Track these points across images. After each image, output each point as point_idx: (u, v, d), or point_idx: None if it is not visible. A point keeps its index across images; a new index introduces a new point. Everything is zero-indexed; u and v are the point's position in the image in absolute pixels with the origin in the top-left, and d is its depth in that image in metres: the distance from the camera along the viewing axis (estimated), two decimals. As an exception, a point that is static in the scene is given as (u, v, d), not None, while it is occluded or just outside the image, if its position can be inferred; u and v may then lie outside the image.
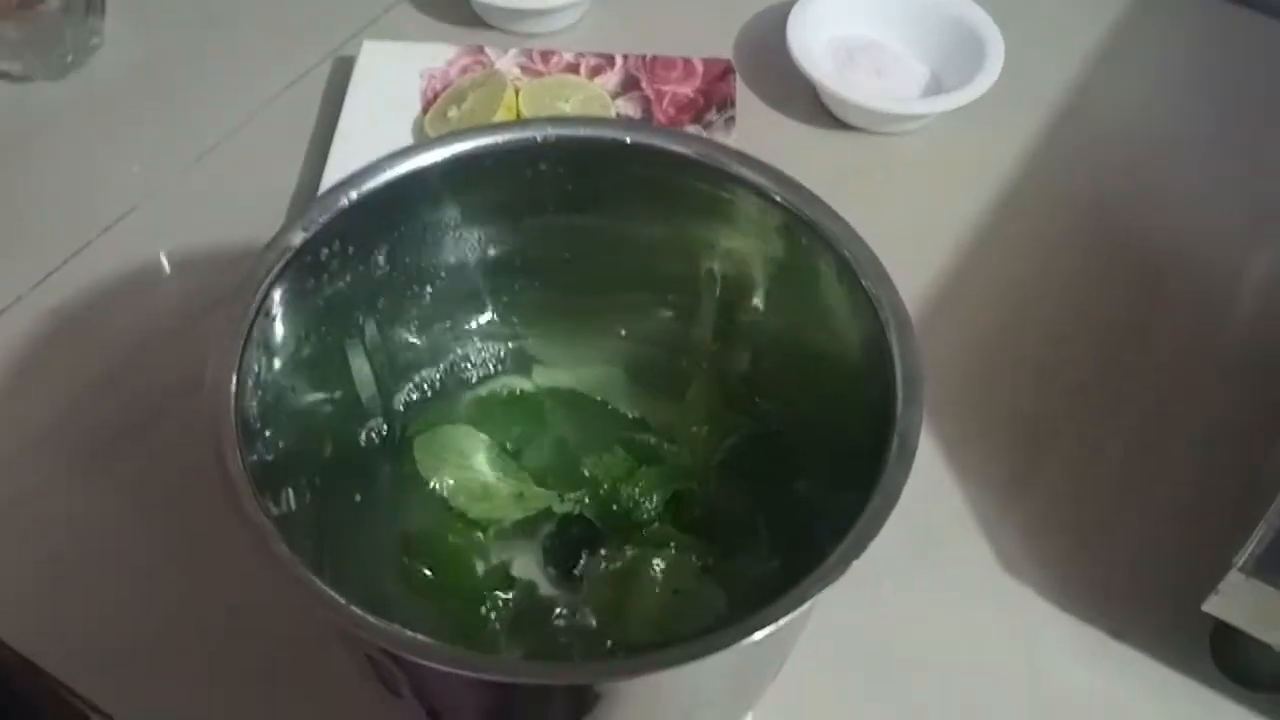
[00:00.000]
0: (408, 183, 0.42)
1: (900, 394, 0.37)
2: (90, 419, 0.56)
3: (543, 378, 0.50)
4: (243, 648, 0.49)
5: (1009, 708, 0.50)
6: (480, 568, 0.46)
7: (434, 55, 0.71)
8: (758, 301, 0.45)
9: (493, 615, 0.45)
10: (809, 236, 0.40)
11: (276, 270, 0.39)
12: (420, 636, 0.32)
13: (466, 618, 0.45)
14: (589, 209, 0.45)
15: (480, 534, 0.46)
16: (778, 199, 0.41)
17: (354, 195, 0.41)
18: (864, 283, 0.39)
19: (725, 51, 0.73)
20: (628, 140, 0.42)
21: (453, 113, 0.67)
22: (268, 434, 0.39)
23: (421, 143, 0.42)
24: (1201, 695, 0.51)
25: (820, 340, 0.42)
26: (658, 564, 0.44)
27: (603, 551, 0.46)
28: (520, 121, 0.47)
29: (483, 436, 0.47)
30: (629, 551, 0.45)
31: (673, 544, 0.45)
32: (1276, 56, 0.76)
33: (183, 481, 0.52)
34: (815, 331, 0.43)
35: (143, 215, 0.65)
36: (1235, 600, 0.46)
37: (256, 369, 0.38)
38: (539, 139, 0.42)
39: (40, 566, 0.52)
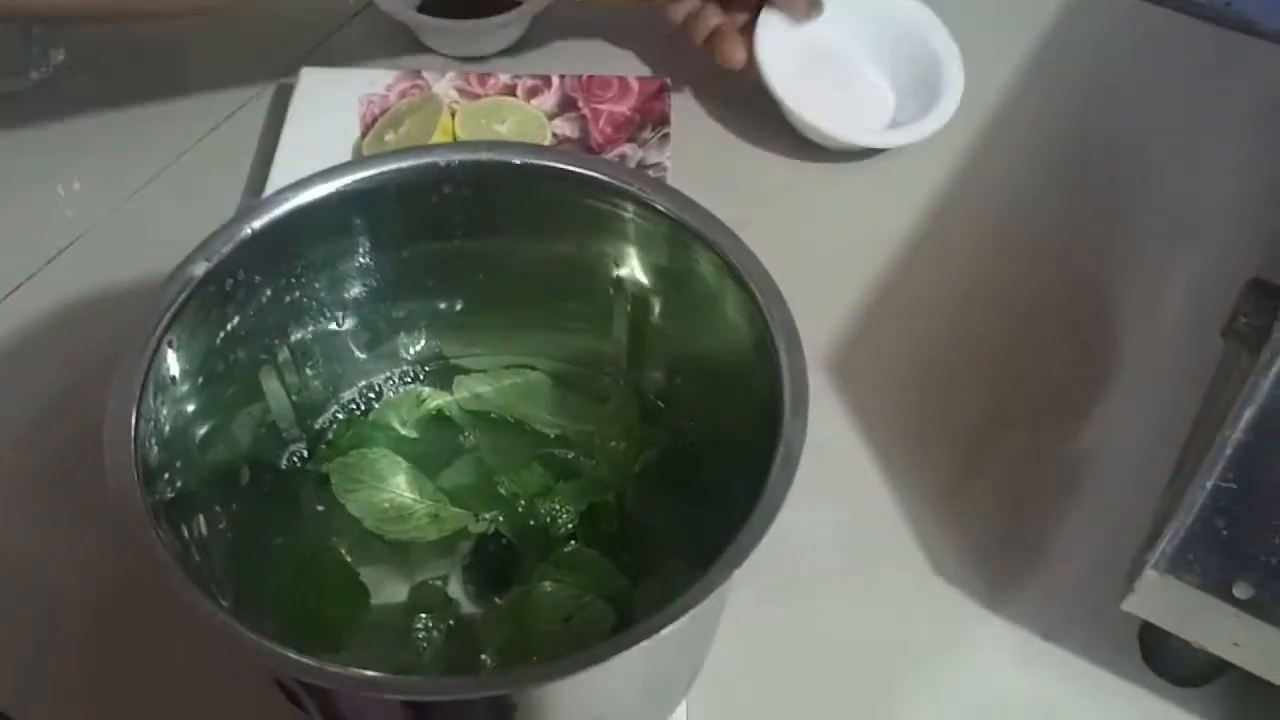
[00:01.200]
0: (312, 210, 0.43)
1: (788, 403, 0.37)
2: (36, 451, 0.57)
3: (464, 390, 0.51)
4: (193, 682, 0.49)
5: (943, 711, 0.51)
6: (400, 589, 0.46)
7: (373, 80, 0.72)
8: (662, 317, 0.46)
9: (419, 635, 0.46)
10: (698, 249, 0.41)
11: (179, 302, 0.40)
12: (305, 659, 0.33)
13: (391, 638, 0.45)
14: (497, 230, 0.46)
15: (401, 554, 0.47)
16: (664, 212, 0.42)
17: (257, 225, 0.42)
18: (753, 292, 0.40)
19: (662, 70, 0.74)
20: (517, 162, 0.43)
21: (390, 136, 0.68)
22: (175, 464, 0.39)
23: (323, 171, 0.43)
24: (1132, 693, 0.51)
25: (721, 354, 0.43)
26: (545, 594, 0.44)
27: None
28: (423, 147, 0.48)
29: (399, 459, 0.48)
30: (515, 590, 0.45)
31: (586, 562, 0.45)
32: (1198, 55, 0.76)
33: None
34: (716, 345, 0.44)
35: (87, 244, 0.66)
36: (1152, 598, 0.46)
37: (159, 400, 0.39)
38: (442, 164, 0.43)
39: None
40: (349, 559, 0.47)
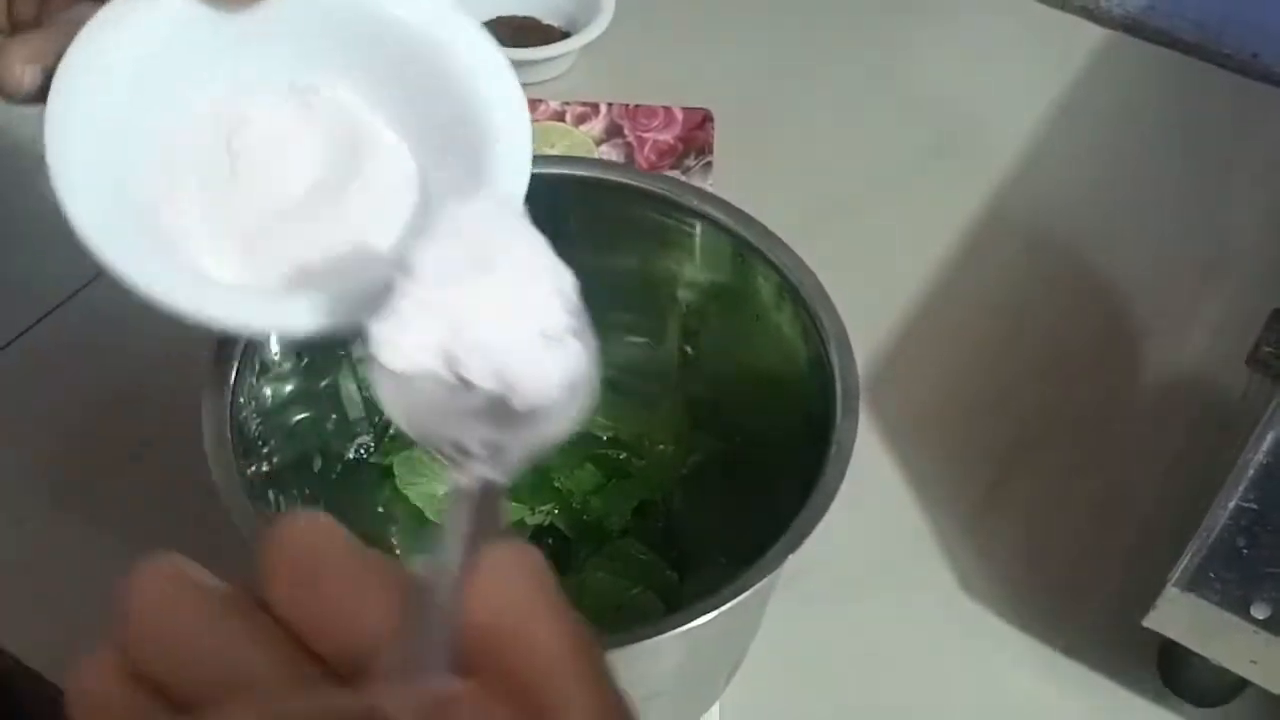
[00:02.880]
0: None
1: (839, 406, 0.39)
2: (100, 440, 0.59)
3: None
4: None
5: (965, 722, 0.53)
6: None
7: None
8: (716, 329, 0.48)
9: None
10: (758, 264, 0.44)
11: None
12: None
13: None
14: (564, 240, 0.48)
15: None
16: (729, 229, 0.45)
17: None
18: (808, 304, 0.42)
19: (706, 101, 0.77)
20: (589, 176, 0.45)
21: (445, 157, 0.71)
22: (262, 446, 0.42)
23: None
24: (1150, 711, 0.53)
25: (772, 365, 0.45)
26: (597, 582, 0.46)
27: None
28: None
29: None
30: (568, 578, 0.47)
31: (635, 556, 0.48)
32: (1225, 105, 0.79)
33: (179, 506, 0.55)
34: (767, 357, 0.46)
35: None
36: (1172, 615, 0.48)
37: (251, 386, 0.41)
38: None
39: (40, 584, 0.54)
40: (400, 549, 0.49)
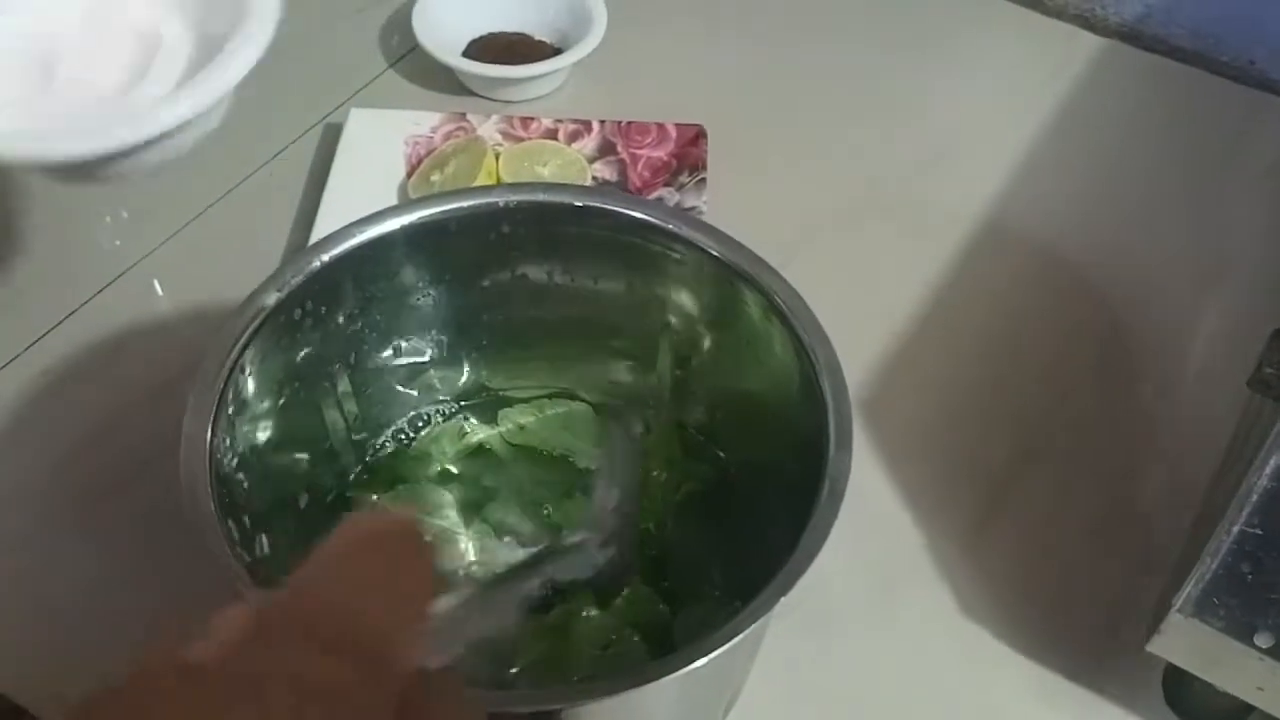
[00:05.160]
0: (377, 245, 0.45)
1: (832, 439, 0.39)
2: (86, 470, 0.59)
3: (508, 423, 0.52)
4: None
5: (967, 749, 0.52)
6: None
7: (419, 122, 0.74)
8: (706, 354, 0.48)
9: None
10: (747, 290, 0.43)
11: (251, 329, 0.41)
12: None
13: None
14: (552, 268, 0.48)
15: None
16: (716, 255, 0.44)
17: (325, 257, 0.44)
18: (799, 332, 0.41)
19: (699, 116, 0.76)
20: (578, 204, 0.45)
21: (436, 177, 0.70)
22: (244, 485, 0.41)
23: (389, 208, 0.45)
24: (1156, 736, 0.52)
25: (764, 390, 0.45)
26: (587, 621, 0.45)
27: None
28: (484, 188, 0.50)
29: (445, 493, 0.50)
30: (558, 609, 0.46)
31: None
32: (1222, 112, 0.78)
33: (170, 533, 0.54)
34: (759, 382, 0.45)
35: (135, 277, 0.68)
36: (1176, 640, 0.47)
37: (231, 423, 0.40)
38: (501, 204, 0.45)
39: (27, 612, 0.53)
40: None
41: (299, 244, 0.68)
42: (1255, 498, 0.45)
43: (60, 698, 0.51)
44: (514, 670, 0.46)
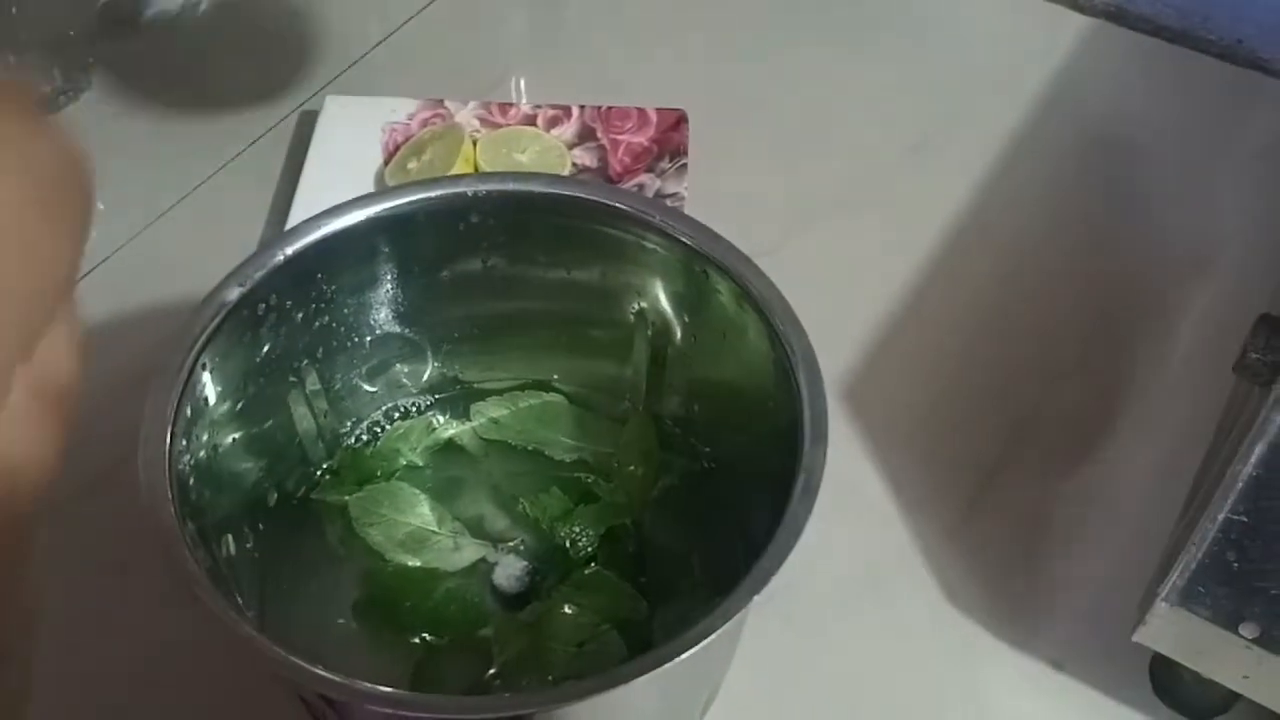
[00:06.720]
0: (343, 238, 0.44)
1: (807, 431, 0.38)
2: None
3: (481, 417, 0.51)
4: (195, 699, 0.50)
5: (953, 739, 0.51)
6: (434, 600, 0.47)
7: (395, 109, 0.73)
8: (682, 345, 0.47)
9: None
10: (718, 279, 0.42)
11: (212, 327, 0.40)
12: (330, 675, 0.33)
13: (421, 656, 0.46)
14: (522, 257, 0.47)
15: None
16: (688, 243, 0.43)
17: (289, 251, 0.43)
18: (774, 324, 0.41)
19: (680, 101, 0.75)
20: (542, 192, 0.44)
21: (413, 164, 0.69)
22: (205, 486, 0.40)
23: (355, 199, 0.44)
24: (1142, 725, 0.52)
25: (740, 381, 0.44)
26: (565, 618, 0.45)
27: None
28: (452, 177, 0.49)
29: (416, 490, 0.49)
30: (534, 606, 0.46)
31: (605, 583, 0.46)
32: (1211, 92, 0.77)
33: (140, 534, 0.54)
34: (735, 373, 0.44)
35: (109, 268, 0.67)
36: (1163, 629, 0.47)
37: (193, 423, 0.40)
38: (470, 193, 0.44)
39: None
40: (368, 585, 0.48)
41: (275, 234, 0.67)
42: (1241, 485, 0.45)
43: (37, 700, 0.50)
44: (492, 671, 0.45)
